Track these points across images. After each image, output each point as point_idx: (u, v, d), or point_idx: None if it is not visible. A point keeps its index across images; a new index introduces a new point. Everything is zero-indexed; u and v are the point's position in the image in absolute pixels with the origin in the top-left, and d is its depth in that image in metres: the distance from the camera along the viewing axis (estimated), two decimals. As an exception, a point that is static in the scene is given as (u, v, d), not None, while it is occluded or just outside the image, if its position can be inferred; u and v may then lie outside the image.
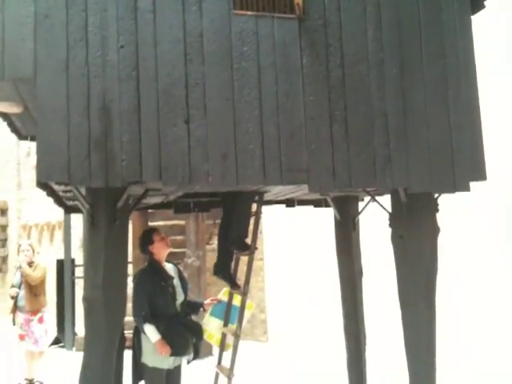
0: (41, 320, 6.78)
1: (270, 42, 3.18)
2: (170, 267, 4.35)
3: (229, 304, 4.87)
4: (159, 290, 4.08)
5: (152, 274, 4.15)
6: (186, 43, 3.06)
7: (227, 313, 4.87)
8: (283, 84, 3.19)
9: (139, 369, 4.15)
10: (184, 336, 4.12)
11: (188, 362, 4.32)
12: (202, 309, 4.58)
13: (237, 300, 4.78)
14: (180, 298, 4.23)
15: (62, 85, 2.87)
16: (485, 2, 3.79)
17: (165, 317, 4.05)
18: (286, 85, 3.19)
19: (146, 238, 4.27)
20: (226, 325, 4.87)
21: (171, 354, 4.03)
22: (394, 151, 3.32)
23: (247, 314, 4.71)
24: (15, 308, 6.68)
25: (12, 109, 3.39)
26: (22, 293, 6.65)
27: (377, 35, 3.36)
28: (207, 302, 4.74)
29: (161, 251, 4.24)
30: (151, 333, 4.00)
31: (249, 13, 3.16)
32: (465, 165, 3.45)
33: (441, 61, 3.47)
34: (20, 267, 6.69)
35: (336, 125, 3.25)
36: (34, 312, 6.68)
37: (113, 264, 3.05)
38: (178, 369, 4.31)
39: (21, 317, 6.62)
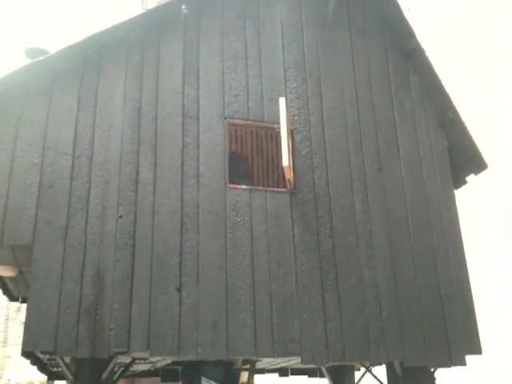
0: None
1: (262, 213, 3.32)
2: None
3: None
4: None
5: None
6: (182, 213, 3.18)
7: None
8: (275, 253, 3.26)
9: None
10: None
11: None
12: None
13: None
14: None
15: (58, 252, 2.93)
16: (467, 179, 4.04)
17: None
18: (278, 254, 3.26)
19: None
20: None
21: None
22: (387, 322, 3.28)
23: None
24: None
25: (6, 272, 3.41)
26: None
27: (364, 208, 3.51)
28: None
29: None
30: None
31: (243, 187, 3.34)
32: (459, 336, 3.39)
33: (428, 232, 3.59)
34: None
35: (328, 294, 3.26)
36: None
37: None
38: None
39: None
